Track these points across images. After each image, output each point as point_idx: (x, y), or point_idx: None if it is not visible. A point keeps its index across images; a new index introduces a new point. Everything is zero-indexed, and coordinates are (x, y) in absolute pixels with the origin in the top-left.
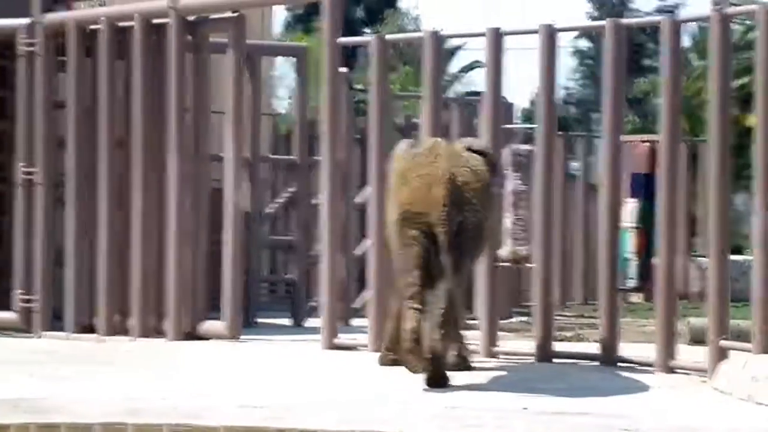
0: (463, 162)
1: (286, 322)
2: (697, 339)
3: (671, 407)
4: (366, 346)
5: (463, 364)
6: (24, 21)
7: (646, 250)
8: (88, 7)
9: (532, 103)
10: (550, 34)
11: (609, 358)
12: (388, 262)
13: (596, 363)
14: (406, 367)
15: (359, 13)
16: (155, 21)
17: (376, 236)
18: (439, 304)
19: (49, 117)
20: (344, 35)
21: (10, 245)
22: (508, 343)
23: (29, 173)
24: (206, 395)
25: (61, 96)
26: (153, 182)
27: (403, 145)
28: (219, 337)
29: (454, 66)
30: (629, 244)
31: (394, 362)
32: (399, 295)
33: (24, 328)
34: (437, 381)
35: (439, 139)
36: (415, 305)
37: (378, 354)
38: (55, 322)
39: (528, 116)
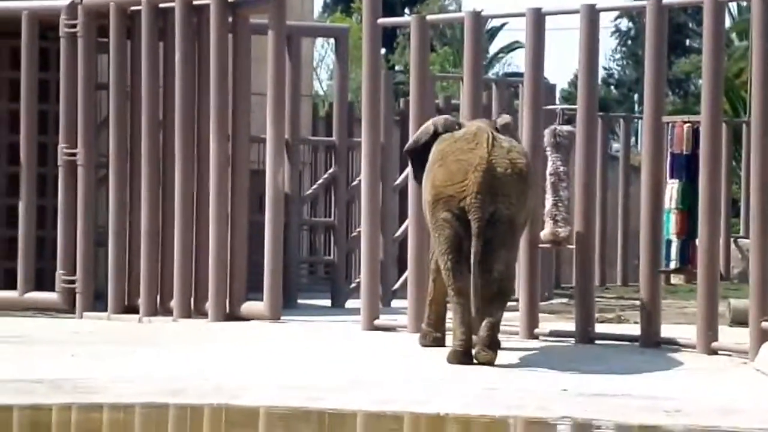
0: (503, 152)
1: (326, 303)
2: (739, 320)
3: (713, 389)
4: (405, 327)
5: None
6: (65, 2)
7: (687, 231)
8: None
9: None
10: (591, 14)
11: (650, 339)
12: (427, 243)
13: (637, 344)
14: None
15: None
16: (195, 2)
17: (415, 218)
18: (484, 291)
19: (91, 98)
20: (384, 16)
21: (52, 226)
22: (548, 324)
23: (71, 154)
24: (247, 376)
25: (102, 77)
26: (193, 164)
27: (440, 119)
28: (259, 317)
29: (495, 46)
30: (670, 225)
31: (436, 341)
32: (436, 275)
33: (66, 308)
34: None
35: (483, 125)
36: (460, 300)
37: (418, 334)
38: (96, 302)
39: (568, 97)
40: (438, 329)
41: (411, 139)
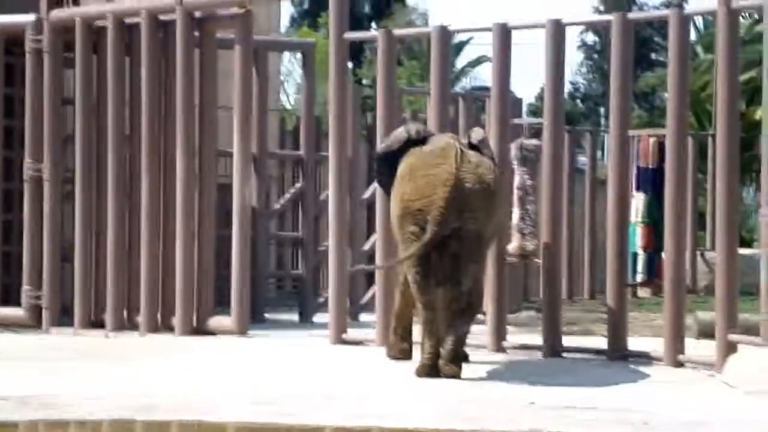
0: (471, 167)
1: (293, 317)
2: (706, 333)
3: (680, 401)
4: (374, 340)
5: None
6: (31, 18)
7: (653, 244)
8: (94, 3)
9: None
10: (557, 29)
11: (617, 352)
12: (395, 257)
13: (604, 357)
14: (421, 374)
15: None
16: (162, 17)
17: (383, 232)
18: (450, 306)
19: (57, 113)
20: (351, 30)
21: (18, 241)
22: (516, 337)
23: (37, 170)
24: (216, 391)
25: (68, 92)
26: (160, 178)
27: (413, 126)
28: (227, 332)
29: (462, 60)
30: (637, 238)
31: (403, 353)
32: (404, 288)
33: (32, 324)
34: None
35: (450, 140)
36: (428, 314)
37: (385, 347)
38: (62, 318)
39: (535, 111)
40: (405, 340)
41: (383, 143)
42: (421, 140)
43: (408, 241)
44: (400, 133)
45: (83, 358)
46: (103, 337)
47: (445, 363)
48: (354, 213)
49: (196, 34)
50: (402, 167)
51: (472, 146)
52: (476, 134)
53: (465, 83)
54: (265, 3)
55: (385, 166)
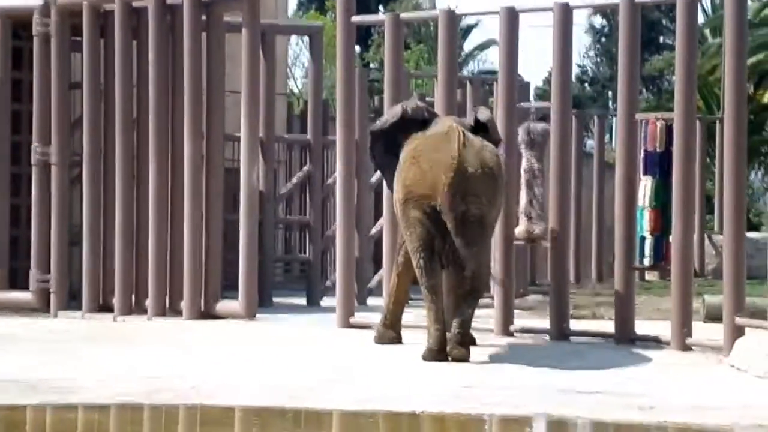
0: (474, 151)
1: (301, 301)
2: (713, 316)
3: (687, 385)
4: (379, 325)
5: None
6: (38, 2)
7: (661, 228)
8: None
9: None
10: (565, 12)
11: (625, 336)
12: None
13: (612, 341)
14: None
15: None
16: (169, 1)
17: (390, 216)
18: (456, 289)
19: (64, 98)
20: (358, 14)
21: (26, 226)
22: (523, 321)
23: (44, 154)
24: (223, 375)
25: (76, 76)
26: (167, 162)
27: (410, 103)
28: (235, 316)
29: (469, 44)
30: (644, 222)
31: (392, 340)
32: (401, 271)
33: (40, 307)
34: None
35: (454, 124)
36: (433, 297)
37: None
38: (71, 301)
39: (543, 94)
40: (394, 328)
41: (379, 120)
42: (423, 122)
43: (411, 225)
44: (396, 109)
45: (91, 342)
46: (111, 321)
47: (453, 346)
48: (361, 197)
49: (204, 17)
50: (405, 152)
51: (478, 124)
52: (483, 114)
53: (472, 67)
54: None
55: (380, 144)
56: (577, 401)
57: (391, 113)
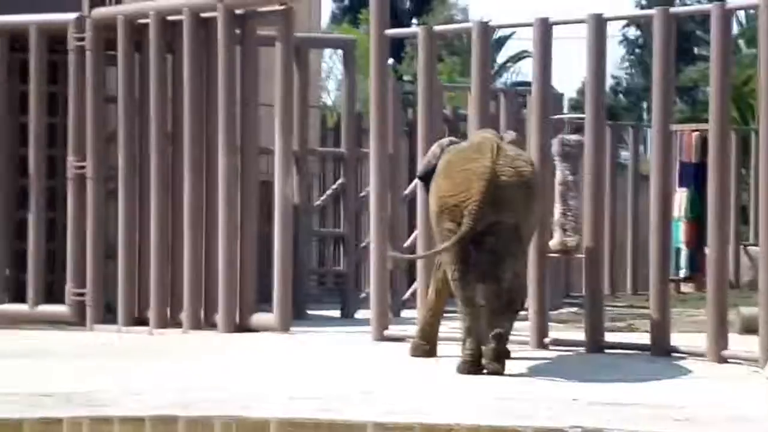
0: (508, 161)
1: (335, 313)
2: (749, 328)
3: (724, 397)
4: (414, 337)
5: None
6: (73, 15)
7: (696, 239)
8: (136, 1)
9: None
10: (599, 24)
11: (660, 348)
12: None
13: (648, 353)
14: (462, 372)
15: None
16: (204, 15)
17: (424, 228)
18: (492, 302)
19: (100, 111)
20: (392, 27)
21: (62, 239)
22: (558, 333)
23: (80, 167)
24: (257, 387)
25: (111, 90)
26: (202, 176)
27: (445, 141)
28: (269, 329)
29: (503, 56)
30: (680, 233)
31: (427, 353)
32: (441, 286)
33: (76, 321)
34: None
35: (489, 135)
36: (468, 309)
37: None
38: (106, 315)
39: (576, 106)
40: (430, 341)
41: (421, 165)
42: None
43: (445, 237)
44: (434, 149)
45: (126, 355)
46: (147, 334)
47: (489, 360)
48: (395, 209)
49: (238, 31)
50: (440, 164)
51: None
52: (507, 136)
53: (506, 78)
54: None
55: (429, 184)
56: (613, 413)
57: (431, 154)
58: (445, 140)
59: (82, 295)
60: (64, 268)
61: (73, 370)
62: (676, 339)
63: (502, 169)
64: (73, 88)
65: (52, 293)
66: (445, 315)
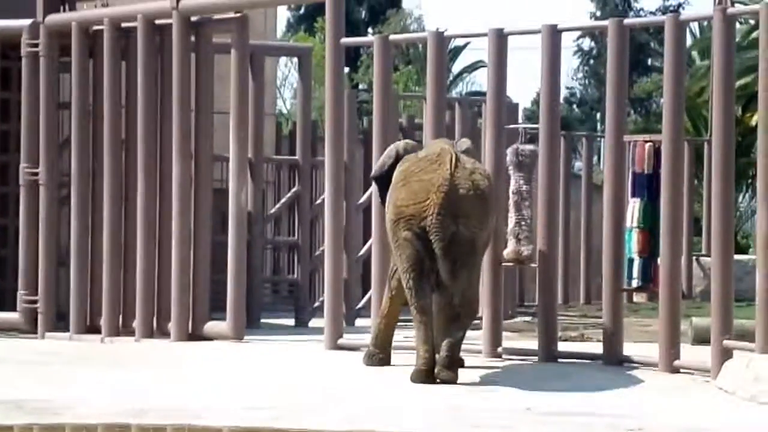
0: (466, 173)
1: (289, 322)
2: (701, 339)
3: (675, 407)
4: (369, 346)
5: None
6: (27, 22)
7: (649, 249)
8: (90, 7)
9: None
10: (553, 34)
11: (613, 357)
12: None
13: (600, 362)
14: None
15: (362, 13)
16: (158, 21)
17: (379, 237)
18: (446, 311)
19: (53, 118)
20: (347, 35)
21: (14, 246)
22: (511, 342)
23: (33, 174)
24: (210, 396)
25: (65, 97)
26: (156, 183)
27: (402, 143)
28: (222, 337)
29: (458, 66)
30: (632, 243)
31: (381, 362)
32: (394, 294)
33: (27, 328)
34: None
35: (446, 146)
36: (423, 318)
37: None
38: (58, 322)
39: (531, 116)
40: (384, 350)
41: (376, 165)
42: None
43: (401, 246)
44: (390, 150)
45: (78, 362)
46: (99, 342)
47: (441, 368)
48: (350, 218)
49: (192, 38)
50: (397, 172)
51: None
52: (462, 144)
53: (461, 88)
54: (261, 8)
55: (383, 186)
56: (566, 423)
57: (386, 155)
58: (402, 143)
59: (33, 302)
60: (16, 275)
61: (23, 378)
62: (629, 348)
63: (460, 181)
64: (26, 95)
65: (4, 300)
66: (399, 324)
